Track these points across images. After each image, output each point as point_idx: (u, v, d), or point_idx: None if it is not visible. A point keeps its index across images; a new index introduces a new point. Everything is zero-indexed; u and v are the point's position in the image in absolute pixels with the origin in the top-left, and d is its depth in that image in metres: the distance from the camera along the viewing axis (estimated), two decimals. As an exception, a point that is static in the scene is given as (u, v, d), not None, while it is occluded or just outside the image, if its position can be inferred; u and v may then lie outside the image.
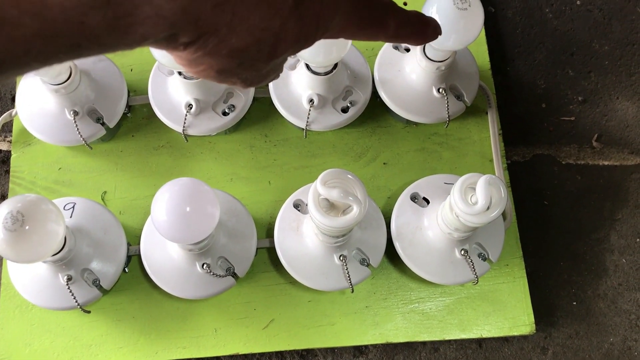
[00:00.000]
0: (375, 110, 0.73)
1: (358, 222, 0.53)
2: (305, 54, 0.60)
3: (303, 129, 0.70)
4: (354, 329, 0.67)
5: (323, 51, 0.59)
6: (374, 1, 0.36)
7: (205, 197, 0.54)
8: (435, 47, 0.61)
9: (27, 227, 0.52)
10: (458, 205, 0.55)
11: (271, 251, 0.68)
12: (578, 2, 0.81)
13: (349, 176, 0.53)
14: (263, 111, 0.74)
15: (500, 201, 0.54)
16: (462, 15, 0.58)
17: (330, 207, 0.55)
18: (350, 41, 0.60)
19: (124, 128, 0.73)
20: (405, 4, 0.78)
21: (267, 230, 0.69)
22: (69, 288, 0.61)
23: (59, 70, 0.62)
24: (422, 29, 0.40)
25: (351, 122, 0.70)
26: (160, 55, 0.59)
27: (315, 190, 0.54)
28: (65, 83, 0.64)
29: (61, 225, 0.55)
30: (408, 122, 0.72)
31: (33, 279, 0.62)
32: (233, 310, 0.67)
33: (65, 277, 0.61)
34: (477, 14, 0.59)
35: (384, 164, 0.72)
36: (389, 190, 0.71)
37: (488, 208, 0.54)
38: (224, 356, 0.67)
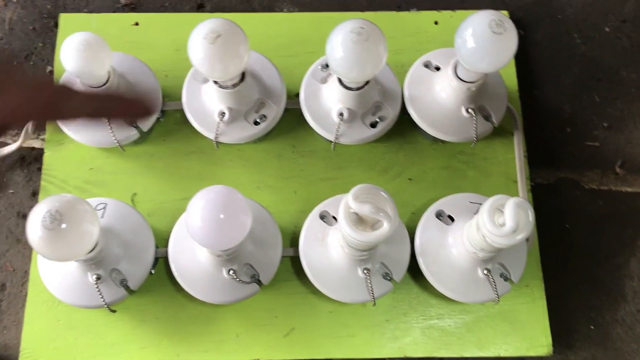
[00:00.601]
0: (403, 126, 0.74)
1: (387, 239, 0.54)
2: (339, 69, 0.61)
3: (331, 142, 0.71)
4: (374, 342, 0.68)
5: (357, 67, 0.61)
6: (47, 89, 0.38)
7: (238, 206, 0.55)
8: (468, 68, 0.62)
9: (64, 226, 0.53)
10: (486, 225, 0.55)
11: (294, 260, 0.69)
12: (607, 29, 0.82)
13: (382, 193, 0.54)
14: (292, 122, 0.75)
15: (528, 224, 0.55)
16: (497, 40, 0.59)
17: (359, 221, 0.56)
18: (385, 58, 0.61)
19: (155, 132, 0.74)
20: (436, 22, 0.80)
21: (291, 240, 0.71)
22: (97, 287, 0.63)
23: (99, 73, 0.63)
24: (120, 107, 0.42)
25: (379, 137, 0.71)
26: (198, 63, 0.60)
27: (347, 204, 0.55)
28: (104, 86, 0.65)
29: (96, 225, 0.56)
30: (435, 139, 0.73)
31: (62, 276, 0.64)
32: (255, 317, 0.68)
33: (95, 276, 0.63)
34: (512, 39, 0.60)
35: (409, 179, 0.73)
36: (413, 206, 0.72)
37: (515, 230, 0.55)
38: (244, 362, 0.68)
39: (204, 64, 0.60)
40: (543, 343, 0.68)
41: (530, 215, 0.55)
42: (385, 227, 0.53)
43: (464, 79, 0.66)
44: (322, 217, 0.68)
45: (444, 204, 0.68)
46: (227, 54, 0.59)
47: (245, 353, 0.67)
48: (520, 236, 0.55)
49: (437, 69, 0.72)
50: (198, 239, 0.54)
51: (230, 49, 0.59)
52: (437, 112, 0.70)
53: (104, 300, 0.63)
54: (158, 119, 0.73)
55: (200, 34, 0.59)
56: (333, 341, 0.68)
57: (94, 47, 0.61)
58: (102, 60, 0.62)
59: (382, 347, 0.67)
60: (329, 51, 0.61)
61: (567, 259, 0.73)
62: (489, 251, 0.61)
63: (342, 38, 0.59)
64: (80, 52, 0.61)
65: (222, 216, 0.53)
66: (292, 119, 0.75)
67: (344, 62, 0.60)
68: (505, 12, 0.80)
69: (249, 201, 0.67)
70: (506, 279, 0.65)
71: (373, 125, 0.70)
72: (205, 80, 0.70)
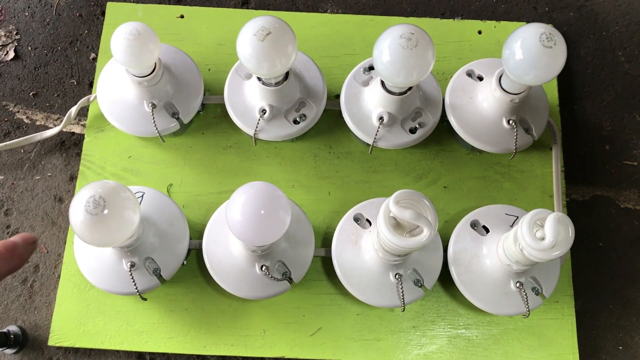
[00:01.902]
0: (441, 133, 0.74)
1: (425, 245, 0.54)
2: (386, 73, 0.61)
3: (368, 145, 0.71)
4: (399, 348, 0.68)
5: (404, 73, 0.60)
6: None
7: (279, 203, 0.55)
8: (514, 79, 0.62)
9: (106, 212, 0.54)
10: (525, 238, 0.55)
11: (326, 260, 0.70)
12: (652, 49, 0.81)
13: (425, 201, 0.54)
14: (330, 123, 0.75)
15: (567, 240, 0.55)
16: (546, 53, 0.59)
17: (397, 225, 0.57)
18: (432, 65, 0.61)
19: (195, 125, 0.75)
20: (479, 32, 0.79)
21: (323, 240, 0.71)
22: (131, 274, 0.63)
23: (147, 63, 0.64)
24: None
25: (417, 143, 0.71)
26: (246, 60, 0.61)
27: (387, 208, 0.55)
28: (149, 76, 0.66)
29: (137, 213, 0.57)
30: (473, 149, 0.73)
31: (98, 261, 0.65)
32: (283, 314, 0.68)
33: (129, 263, 0.63)
34: (561, 53, 0.59)
35: (444, 187, 0.73)
36: (447, 215, 0.72)
37: (554, 245, 0.55)
38: (270, 358, 0.68)
39: (251, 60, 0.60)
40: (570, 360, 0.68)
41: (571, 232, 0.55)
42: (425, 233, 0.53)
43: (507, 90, 0.66)
44: (357, 219, 0.68)
45: (479, 214, 0.68)
46: (276, 52, 0.59)
47: (271, 349, 0.67)
48: (559, 251, 0.55)
49: (480, 78, 0.72)
50: (237, 233, 0.54)
51: (279, 48, 0.59)
52: (477, 122, 0.70)
53: (136, 288, 0.64)
54: (198, 112, 0.73)
55: (251, 31, 0.59)
56: (359, 344, 0.68)
57: (143, 38, 0.62)
58: (151, 50, 0.63)
59: (407, 353, 0.67)
60: (376, 54, 0.61)
61: (599, 278, 0.73)
62: (524, 264, 0.61)
63: (390, 42, 0.59)
64: (130, 42, 0.61)
65: (262, 212, 0.54)
66: (331, 119, 0.75)
67: (391, 66, 0.60)
68: (550, 25, 0.79)
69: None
70: (538, 293, 0.65)
71: (412, 131, 0.70)
72: (249, 76, 0.70)
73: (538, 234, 0.56)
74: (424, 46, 0.59)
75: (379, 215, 0.55)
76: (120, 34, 0.62)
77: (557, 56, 0.59)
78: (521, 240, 0.56)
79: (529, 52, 0.59)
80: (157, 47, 0.64)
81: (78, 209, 0.54)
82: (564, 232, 0.55)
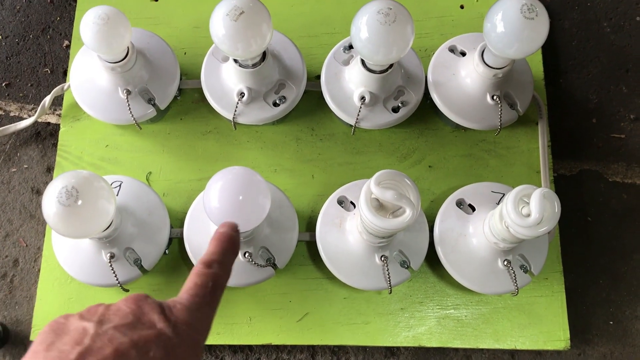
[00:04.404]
0: (425, 111, 0.73)
1: (409, 226, 0.53)
2: (365, 51, 0.60)
3: (351, 126, 0.69)
4: (388, 330, 0.67)
5: (383, 50, 0.59)
6: None
7: (257, 188, 0.54)
8: (497, 53, 0.60)
9: (79, 203, 0.52)
10: (510, 216, 0.54)
11: (311, 245, 0.68)
12: (638, 18, 0.79)
13: (406, 180, 0.53)
14: (312, 105, 0.74)
15: (553, 216, 0.54)
16: (528, 25, 0.57)
17: (379, 207, 0.55)
18: (411, 41, 0.59)
19: (173, 111, 0.73)
20: (462, 7, 0.78)
21: (307, 224, 0.69)
22: (111, 266, 0.62)
23: (118, 48, 0.62)
24: None
25: (400, 122, 0.70)
26: (220, 41, 0.59)
27: (368, 189, 0.53)
28: (122, 62, 0.64)
29: (112, 203, 0.55)
30: (457, 126, 0.72)
31: (76, 253, 0.63)
32: (269, 301, 0.67)
33: (109, 254, 0.62)
34: (543, 25, 0.58)
35: (429, 167, 0.72)
36: (433, 194, 0.71)
37: (540, 222, 0.54)
38: (257, 345, 0.67)
39: (225, 41, 0.58)
40: (561, 337, 0.67)
41: (557, 207, 0.54)
42: (407, 214, 0.52)
43: (490, 65, 0.64)
44: (340, 202, 0.66)
45: (465, 192, 0.67)
46: (251, 31, 0.57)
47: (258, 337, 0.66)
48: (545, 228, 0.54)
49: (463, 54, 0.70)
50: (215, 220, 0.53)
51: (253, 27, 0.57)
52: (461, 99, 0.68)
53: (117, 279, 0.62)
54: (175, 97, 0.71)
55: (224, 11, 0.57)
56: (347, 328, 0.67)
57: (113, 21, 0.60)
58: (122, 35, 0.61)
59: (396, 335, 0.67)
60: (354, 32, 0.59)
61: (588, 253, 0.72)
62: (511, 242, 0.60)
63: (368, 18, 0.58)
64: (99, 26, 0.59)
65: (240, 198, 0.52)
66: (312, 101, 0.73)
67: (370, 43, 0.58)
68: (533, -2, 0.78)
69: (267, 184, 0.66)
70: (526, 271, 0.64)
71: (395, 110, 0.69)
72: (225, 59, 0.68)
73: (524, 210, 0.55)
74: (403, 21, 0.58)
75: (361, 197, 0.54)
76: (89, 19, 0.60)
77: (540, 27, 0.58)
78: (506, 217, 0.55)
79: (511, 25, 0.57)
80: (128, 31, 0.62)
81: (51, 201, 0.53)
82: (549, 207, 0.54)
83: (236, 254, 0.43)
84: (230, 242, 0.43)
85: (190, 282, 0.39)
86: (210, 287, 0.39)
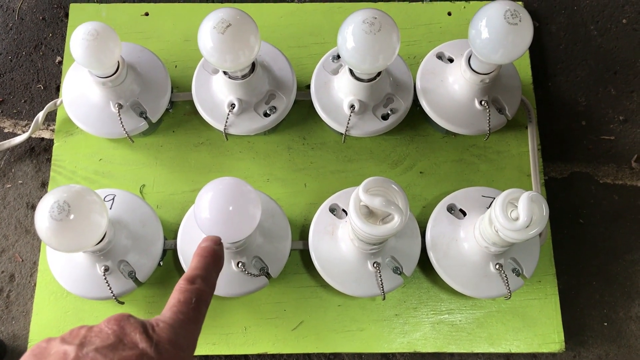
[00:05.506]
0: (415, 118, 0.74)
1: (398, 232, 0.54)
2: (351, 60, 0.60)
3: (342, 134, 0.70)
4: (383, 337, 0.67)
5: (369, 59, 0.59)
6: None
7: (247, 198, 0.54)
8: (482, 59, 0.61)
9: (72, 217, 0.53)
10: (499, 220, 0.55)
11: (304, 253, 0.69)
12: (624, 21, 0.80)
13: (393, 186, 0.53)
14: (302, 114, 0.74)
15: (542, 219, 0.54)
16: (512, 30, 0.58)
17: (370, 214, 0.56)
18: (397, 49, 0.60)
19: (165, 123, 0.74)
20: (449, 14, 0.78)
21: (300, 233, 0.70)
22: (105, 279, 0.62)
23: (108, 63, 0.62)
24: None
25: (390, 129, 0.70)
26: (208, 54, 0.60)
27: (357, 197, 0.54)
28: (113, 76, 0.65)
29: (104, 217, 0.56)
30: (447, 132, 0.72)
31: (71, 267, 0.64)
32: (263, 310, 0.68)
33: (103, 267, 0.62)
34: (527, 30, 0.58)
35: (421, 173, 0.72)
36: (424, 200, 0.71)
37: (528, 225, 0.54)
38: (252, 355, 0.67)
39: (214, 54, 0.59)
40: (555, 340, 0.67)
41: (545, 210, 0.54)
42: (396, 220, 0.52)
43: (477, 71, 0.65)
44: (332, 210, 0.67)
45: (456, 197, 0.67)
46: (238, 44, 0.58)
47: (253, 346, 0.67)
48: (534, 231, 0.54)
49: (451, 60, 0.71)
50: (206, 231, 0.53)
51: (240, 39, 0.58)
52: (450, 105, 0.69)
53: (112, 292, 0.63)
54: (167, 110, 0.72)
55: (210, 24, 0.58)
56: (342, 335, 0.67)
57: (102, 37, 0.61)
58: (112, 50, 0.61)
59: (391, 342, 0.67)
60: (340, 42, 0.60)
61: (581, 255, 0.72)
62: (502, 246, 0.60)
63: (353, 28, 0.58)
64: (89, 42, 0.60)
65: (231, 208, 0.53)
66: (303, 110, 0.74)
67: (356, 53, 0.59)
68: (520, 3, 0.79)
69: (258, 193, 0.67)
70: (518, 274, 0.64)
71: (384, 117, 0.69)
72: (215, 71, 0.69)
73: (513, 214, 0.55)
74: (388, 30, 0.58)
75: (350, 204, 0.54)
76: (79, 35, 0.61)
77: (524, 33, 0.58)
78: (495, 221, 0.55)
79: (495, 31, 0.58)
80: (118, 45, 0.62)
81: (43, 216, 0.53)
82: (537, 210, 0.54)
83: (220, 268, 0.43)
84: (213, 257, 0.43)
85: (174, 299, 0.39)
86: (194, 303, 0.39)
